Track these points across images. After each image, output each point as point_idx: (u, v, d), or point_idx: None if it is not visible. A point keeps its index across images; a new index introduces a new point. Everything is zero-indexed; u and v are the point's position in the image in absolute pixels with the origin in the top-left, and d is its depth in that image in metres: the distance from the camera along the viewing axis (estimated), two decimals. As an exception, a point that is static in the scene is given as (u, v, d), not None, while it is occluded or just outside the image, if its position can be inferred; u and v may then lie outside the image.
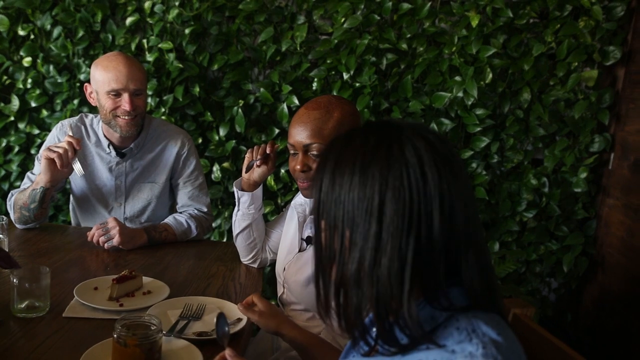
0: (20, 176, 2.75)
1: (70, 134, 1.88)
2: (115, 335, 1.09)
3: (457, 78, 2.58)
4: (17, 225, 1.94)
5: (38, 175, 1.85)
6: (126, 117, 1.87)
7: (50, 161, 1.77)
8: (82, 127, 2.01)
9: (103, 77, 1.84)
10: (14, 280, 1.29)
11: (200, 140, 2.77)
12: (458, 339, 0.75)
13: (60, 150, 1.76)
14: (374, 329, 0.80)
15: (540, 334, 1.08)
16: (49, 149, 1.77)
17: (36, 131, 2.80)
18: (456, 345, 0.74)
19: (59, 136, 2.00)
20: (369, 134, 0.83)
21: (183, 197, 2.05)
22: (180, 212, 2.03)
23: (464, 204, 0.80)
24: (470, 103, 2.57)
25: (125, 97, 1.84)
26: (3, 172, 2.89)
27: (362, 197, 0.78)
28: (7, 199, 1.96)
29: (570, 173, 2.68)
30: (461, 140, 2.71)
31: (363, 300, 0.79)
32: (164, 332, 1.22)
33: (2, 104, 2.80)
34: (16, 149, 2.86)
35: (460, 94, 2.58)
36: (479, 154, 2.70)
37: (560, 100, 2.62)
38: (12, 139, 2.84)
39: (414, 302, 0.77)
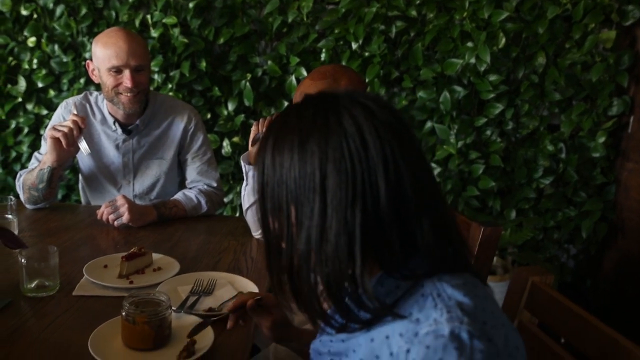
0: (31, 157, 2.75)
1: (75, 112, 1.85)
2: (123, 313, 1.08)
3: (469, 44, 2.51)
4: (27, 206, 1.93)
5: (44, 155, 1.83)
6: (128, 94, 1.84)
7: (56, 140, 1.75)
8: (87, 105, 1.98)
9: (103, 54, 1.81)
10: (22, 260, 1.28)
11: (209, 116, 2.74)
12: (422, 306, 0.72)
13: (66, 129, 1.73)
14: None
15: (560, 301, 1.05)
16: (54, 128, 1.75)
17: (44, 112, 2.79)
18: (420, 313, 0.71)
19: (64, 115, 1.97)
20: (305, 108, 0.79)
21: (192, 172, 2.02)
22: (190, 188, 2.01)
23: (412, 169, 0.75)
24: (483, 69, 2.51)
25: (127, 73, 1.81)
26: (14, 154, 2.89)
27: (304, 174, 0.75)
28: (16, 180, 1.95)
29: (588, 138, 2.61)
30: (474, 107, 2.65)
31: (315, 281, 0.77)
32: (173, 308, 1.20)
33: (10, 86, 2.79)
34: (26, 130, 2.85)
35: (473, 60, 2.51)
36: (493, 121, 2.64)
37: (577, 64, 2.54)
38: (21, 120, 2.84)
39: (367, 277, 0.74)
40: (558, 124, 2.66)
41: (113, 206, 1.77)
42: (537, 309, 1.11)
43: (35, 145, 2.84)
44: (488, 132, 2.65)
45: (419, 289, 0.74)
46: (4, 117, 2.83)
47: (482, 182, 2.64)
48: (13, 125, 2.86)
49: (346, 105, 0.76)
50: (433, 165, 2.67)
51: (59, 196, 2.85)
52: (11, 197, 1.67)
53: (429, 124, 2.67)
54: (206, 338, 1.10)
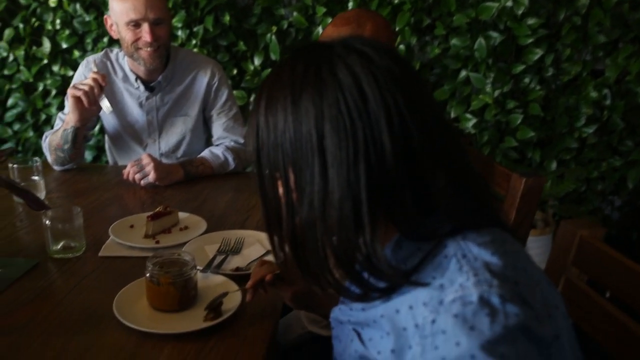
0: (59, 119, 2.74)
1: (95, 69, 1.80)
2: (147, 275, 1.04)
3: (506, -16, 2.36)
4: (55, 167, 1.91)
5: (67, 115, 1.80)
6: (148, 49, 1.78)
7: (77, 99, 1.70)
8: (108, 63, 1.93)
9: (121, 8, 1.74)
10: (47, 222, 1.25)
11: (235, 72, 2.67)
12: (446, 270, 0.64)
13: (86, 88, 1.69)
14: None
15: (611, 255, 0.97)
16: (74, 87, 1.71)
17: (70, 72, 2.76)
18: (444, 278, 0.64)
19: (84, 73, 1.93)
20: (296, 61, 0.70)
21: (218, 129, 1.97)
22: (217, 145, 1.96)
23: (421, 120, 0.67)
24: (520, 12, 2.36)
25: (145, 27, 1.74)
26: (44, 117, 2.88)
27: (300, 135, 0.67)
28: (42, 141, 1.93)
29: (635, 82, 2.45)
30: (512, 54, 2.51)
31: (322, 251, 0.69)
32: (199, 268, 1.16)
33: (35, 48, 2.76)
34: (53, 92, 2.84)
35: (510, 3, 2.36)
36: (532, 67, 2.49)
37: (624, 2, 2.36)
38: (48, 82, 2.82)
39: (379, 243, 0.66)
40: (602, 69, 2.50)
41: (139, 165, 1.74)
42: (585, 264, 1.03)
43: (63, 107, 2.82)
44: (526, 80, 2.52)
45: (441, 250, 0.67)
46: (31, 80, 2.81)
47: (520, 132, 2.52)
48: (40, 87, 2.85)
49: (340, 54, 0.68)
50: (468, 116, 2.56)
51: (90, 157, 2.85)
52: (37, 158, 1.65)
53: (463, 73, 2.54)
54: (234, 298, 1.06)
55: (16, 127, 2.92)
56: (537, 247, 2.41)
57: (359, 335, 0.74)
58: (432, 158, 0.67)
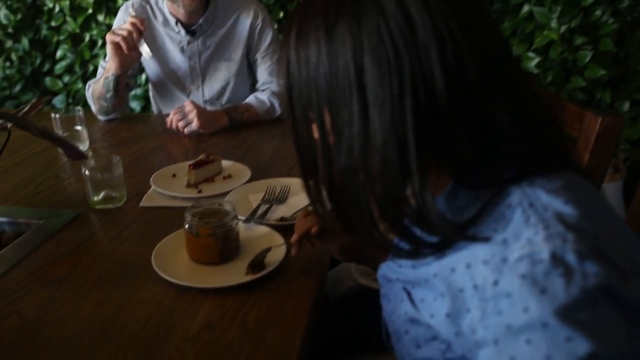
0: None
1: (134, 14, 1.72)
2: (186, 226, 0.98)
3: None
4: (99, 117, 1.88)
5: (107, 62, 1.74)
6: (187, -11, 1.69)
7: (116, 45, 1.64)
8: (147, 7, 1.85)
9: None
10: (86, 172, 1.21)
11: (281, 15, 2.55)
12: (510, 222, 0.54)
13: (124, 33, 1.62)
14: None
15: None
16: (112, 33, 1.64)
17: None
18: (507, 232, 0.54)
19: (124, 18, 1.86)
20: None
21: (263, 73, 1.88)
22: (262, 90, 1.87)
23: (479, 48, 0.56)
24: None
25: (182, -34, 1.65)
26: (91, 68, 2.86)
27: (335, 70, 0.57)
28: (86, 91, 1.89)
29: None
30: (582, -17, 2.28)
31: (365, 202, 0.60)
32: (241, 218, 1.10)
33: (79, -4, 2.73)
34: (99, 42, 2.80)
35: None
36: (604, -2, 2.26)
37: None
38: (94, 32, 2.79)
39: (429, 193, 0.56)
40: (685, -4, 2.24)
41: (182, 113, 1.68)
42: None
43: (109, 57, 2.79)
44: (598, 13, 2.29)
45: (504, 198, 0.56)
46: (77, 31, 2.79)
47: (589, 71, 2.31)
48: (87, 38, 2.82)
49: None
50: (530, 55, 2.37)
51: (138, 108, 2.82)
52: (79, 107, 1.60)
53: (526, 8, 2.34)
54: (278, 250, 0.99)
55: (66, 79, 2.92)
56: (606, 195, 2.24)
57: (409, 295, 0.65)
58: (492, 93, 0.56)
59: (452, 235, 0.57)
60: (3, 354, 0.79)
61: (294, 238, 0.95)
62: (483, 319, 0.52)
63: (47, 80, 2.93)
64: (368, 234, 0.61)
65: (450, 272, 0.58)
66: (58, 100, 2.93)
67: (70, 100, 2.93)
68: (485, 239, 0.54)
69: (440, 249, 0.59)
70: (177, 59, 1.86)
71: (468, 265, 0.56)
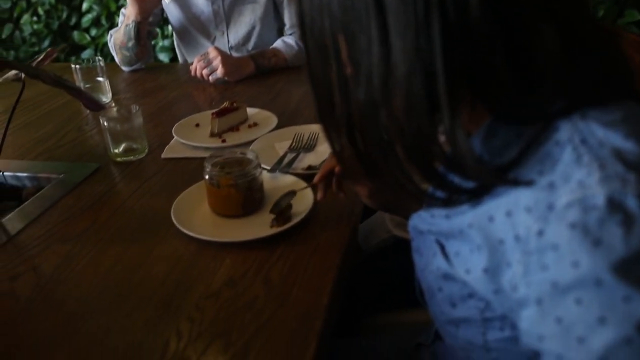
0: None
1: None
2: (206, 176, 0.92)
3: None
4: (123, 68, 1.82)
5: (127, 9, 1.67)
6: None
7: (135, -11, 1.56)
8: (167, -53, 1.76)
9: None
10: (104, 123, 1.16)
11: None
12: (557, 162, 0.45)
13: (142, -25, 1.54)
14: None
15: None
16: (130, -25, 1.56)
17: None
18: (555, 174, 0.44)
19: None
20: None
21: (290, 16, 1.77)
22: (290, 34, 1.77)
23: None
24: None
25: None
26: (117, 20, 2.80)
27: None
28: (108, 41, 1.83)
29: None
30: None
31: (388, 143, 0.51)
32: (265, 167, 1.03)
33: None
34: (125, -8, 2.73)
35: None
36: None
37: None
38: (118, -18, 2.72)
39: (461, 131, 0.47)
40: None
41: (205, 60, 1.60)
42: None
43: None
44: (656, -64, 2.08)
45: (551, 135, 0.47)
46: (102, -19, 2.72)
47: (645, 2, 2.12)
48: (112, -12, 2.75)
49: None
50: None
51: (166, 59, 2.76)
52: (99, 57, 1.55)
53: None
54: (305, 201, 0.92)
55: (93, 32, 2.87)
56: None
57: (442, 248, 0.57)
58: (537, 7, 0.46)
59: (490, 179, 0.48)
60: (18, 312, 0.76)
61: (316, 178, 0.87)
62: (525, 275, 0.45)
63: (75, 34, 2.89)
64: (394, 180, 0.53)
65: (488, 221, 0.49)
66: (86, 54, 2.89)
67: (98, 54, 2.89)
68: (528, 183, 0.46)
69: (477, 196, 0.51)
70: (200, 3, 1.77)
71: (508, 213, 0.47)
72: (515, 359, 0.54)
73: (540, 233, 0.43)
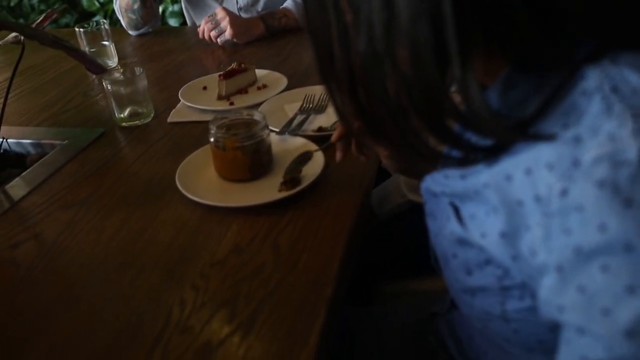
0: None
1: None
2: (211, 139, 0.88)
3: None
4: (130, 32, 1.77)
5: (132, -32, 1.62)
6: None
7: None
8: None
9: None
10: (108, 87, 1.12)
11: None
12: (585, 114, 0.39)
13: None
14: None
15: None
16: None
17: None
18: (581, 126, 0.39)
19: None
20: None
21: (300, -26, 1.70)
22: (300, -6, 1.70)
23: None
24: None
25: None
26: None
27: None
28: (114, 4, 1.77)
29: None
30: None
31: (394, 98, 0.45)
32: (273, 129, 0.99)
33: None
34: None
35: None
36: None
37: None
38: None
39: (473, 80, 0.41)
40: None
41: (214, 21, 1.54)
42: None
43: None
44: None
45: (577, 83, 0.41)
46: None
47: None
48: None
49: None
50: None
51: (175, 24, 2.70)
52: (104, 20, 1.50)
53: None
54: (315, 163, 0.88)
55: (102, -3, 2.82)
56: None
57: (456, 211, 0.52)
58: None
59: (509, 135, 0.43)
60: (19, 280, 0.73)
61: (334, 136, 0.82)
62: (546, 239, 0.40)
63: (84, 1, 2.84)
64: (403, 141, 0.48)
65: (505, 180, 0.44)
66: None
67: (107, 20, 2.83)
68: (552, 137, 0.40)
69: (495, 154, 0.46)
70: (207, -38, 1.71)
71: (528, 171, 0.42)
72: (537, 330, 0.50)
73: (563, 192, 0.39)
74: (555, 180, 0.39)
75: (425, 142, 0.47)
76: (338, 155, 0.83)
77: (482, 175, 0.47)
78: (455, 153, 0.47)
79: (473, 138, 0.45)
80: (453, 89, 0.43)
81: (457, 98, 0.43)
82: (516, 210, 0.43)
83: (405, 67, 0.43)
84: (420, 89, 0.44)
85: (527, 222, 0.42)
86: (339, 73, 0.49)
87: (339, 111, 0.53)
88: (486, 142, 0.45)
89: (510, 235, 0.44)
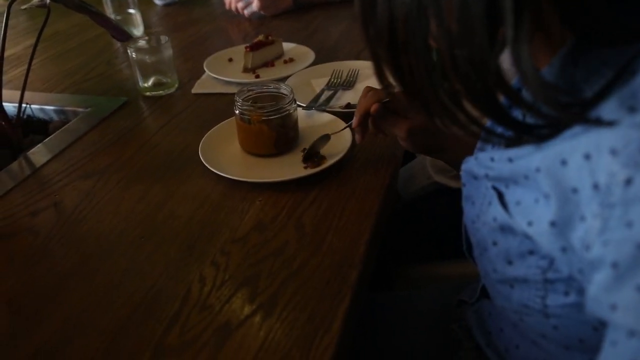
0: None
1: None
2: (237, 112, 0.85)
3: None
4: (156, 2, 1.75)
5: None
6: None
7: None
8: None
9: None
10: (132, 55, 1.09)
11: None
12: None
13: None
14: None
15: None
16: None
17: None
18: None
19: None
20: None
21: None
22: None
23: None
24: None
25: None
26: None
27: None
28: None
29: None
30: None
31: (438, 62, 0.41)
32: (300, 104, 0.95)
33: None
34: None
35: None
36: None
37: None
38: None
39: (527, 51, 0.36)
40: None
41: (241, -8, 1.51)
42: None
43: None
44: None
45: None
46: None
47: None
48: None
49: None
50: None
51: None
52: (130, -12, 1.47)
53: None
54: (342, 141, 0.85)
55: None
56: None
57: (500, 196, 0.49)
58: None
59: (567, 116, 0.39)
60: (37, 249, 0.72)
61: (355, 122, 0.79)
62: (603, 232, 0.36)
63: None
64: (444, 112, 0.44)
65: (560, 165, 0.40)
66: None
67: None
68: (615, 122, 0.36)
69: (548, 137, 0.42)
70: None
71: (587, 156, 0.38)
72: (578, 328, 0.46)
73: (628, 182, 0.35)
74: (620, 167, 0.35)
75: (465, 111, 0.43)
76: (358, 138, 0.80)
77: (534, 158, 0.43)
78: (500, 130, 0.43)
79: (521, 115, 0.41)
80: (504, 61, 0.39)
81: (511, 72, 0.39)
82: (570, 198, 0.39)
83: (451, 22, 0.39)
84: (465, 49, 0.39)
85: (582, 212, 0.38)
86: (379, 22, 0.45)
87: (379, 77, 0.49)
88: (539, 120, 0.41)
89: (562, 225, 0.40)
